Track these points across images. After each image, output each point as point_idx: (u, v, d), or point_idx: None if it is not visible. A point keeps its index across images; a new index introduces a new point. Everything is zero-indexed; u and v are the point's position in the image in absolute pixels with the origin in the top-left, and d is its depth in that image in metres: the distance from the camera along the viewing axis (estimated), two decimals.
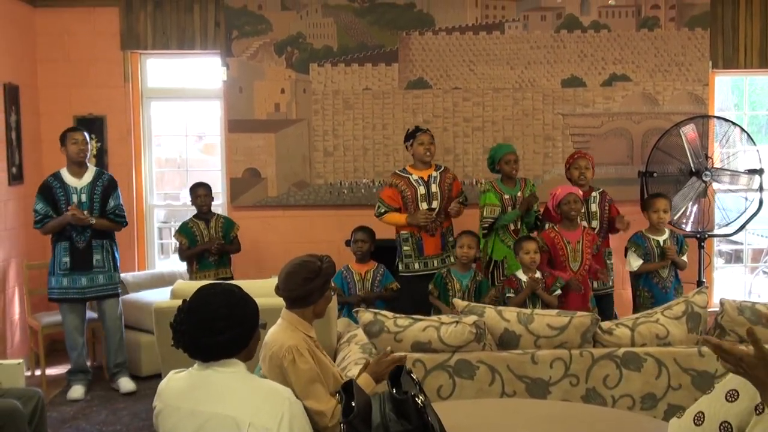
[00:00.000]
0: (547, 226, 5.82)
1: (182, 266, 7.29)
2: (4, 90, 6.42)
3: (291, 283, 3.31)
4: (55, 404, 5.77)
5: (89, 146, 6.06)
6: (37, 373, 6.37)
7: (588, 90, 7.20)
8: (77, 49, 7.14)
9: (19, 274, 6.58)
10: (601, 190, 6.07)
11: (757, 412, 2.30)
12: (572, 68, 7.18)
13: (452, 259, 5.92)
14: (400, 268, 6.04)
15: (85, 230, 5.88)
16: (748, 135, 6.94)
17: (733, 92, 8.14)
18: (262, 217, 7.19)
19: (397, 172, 6.13)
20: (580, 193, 5.67)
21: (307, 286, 3.29)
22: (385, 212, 5.97)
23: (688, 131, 6.77)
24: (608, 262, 5.96)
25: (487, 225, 5.92)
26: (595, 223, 5.88)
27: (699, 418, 2.45)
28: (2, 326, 6.37)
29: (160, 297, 5.98)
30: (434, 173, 6.01)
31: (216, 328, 2.62)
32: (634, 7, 7.17)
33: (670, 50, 7.17)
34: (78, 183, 5.94)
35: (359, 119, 7.19)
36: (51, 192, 5.88)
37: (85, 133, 6.04)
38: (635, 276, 5.79)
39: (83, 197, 5.91)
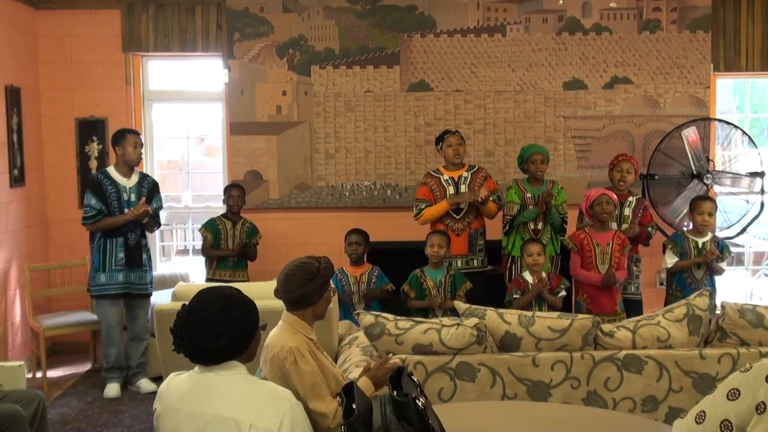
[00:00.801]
0: (579, 227, 5.83)
1: (183, 269, 7.32)
2: (5, 92, 6.43)
3: (289, 285, 3.32)
4: (57, 406, 5.77)
5: (144, 150, 6.19)
6: (39, 375, 6.36)
7: (589, 92, 7.20)
8: (79, 51, 7.15)
9: (20, 276, 6.58)
10: (638, 196, 6.08)
11: (758, 411, 2.30)
12: (574, 71, 7.18)
13: (475, 262, 5.99)
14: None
15: (136, 228, 5.98)
16: (750, 138, 6.94)
17: (735, 95, 8.14)
18: (264, 220, 7.19)
19: (430, 172, 6.20)
20: (614, 196, 5.67)
21: (305, 287, 3.30)
22: (425, 208, 6.02)
23: (690, 134, 6.77)
24: (634, 268, 5.95)
25: (505, 222, 5.95)
26: (624, 227, 5.87)
27: (700, 417, 2.45)
28: (3, 328, 6.37)
29: (161, 299, 5.99)
30: (465, 174, 6.06)
31: (215, 332, 2.62)
32: (635, 9, 7.17)
33: (672, 53, 7.17)
34: (128, 182, 6.02)
35: (361, 121, 7.20)
36: (102, 188, 5.92)
37: (141, 136, 6.16)
38: (671, 274, 5.81)
39: (132, 196, 5.99)
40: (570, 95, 7.19)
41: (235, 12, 7.11)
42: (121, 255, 5.93)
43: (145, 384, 6.08)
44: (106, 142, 7.11)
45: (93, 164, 7.11)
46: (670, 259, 5.73)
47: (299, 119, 7.20)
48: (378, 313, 4.19)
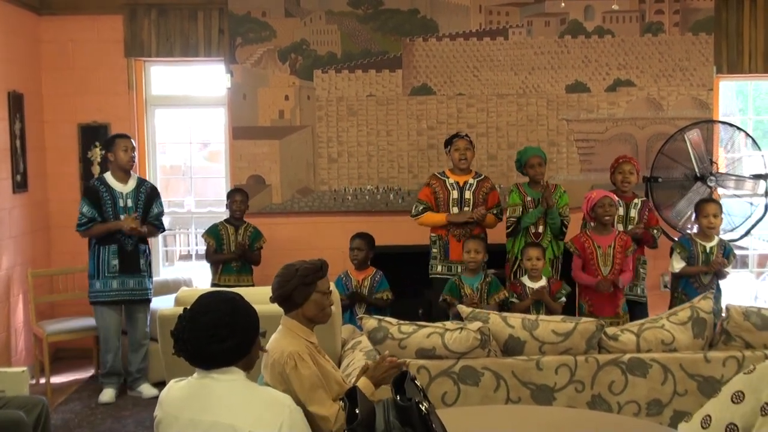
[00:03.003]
0: (581, 230, 5.81)
1: (186, 274, 7.32)
2: (8, 98, 6.44)
3: (273, 286, 3.40)
4: (60, 412, 5.77)
5: (135, 153, 6.13)
6: (42, 381, 6.36)
7: (592, 95, 7.19)
8: (81, 56, 7.16)
9: (23, 281, 6.58)
10: (643, 199, 6.05)
11: (763, 413, 2.29)
12: (576, 74, 7.17)
13: (459, 268, 5.91)
14: (429, 270, 6.08)
15: (131, 234, 5.95)
16: (753, 140, 6.93)
17: (738, 97, 8.13)
18: (267, 224, 7.19)
19: (435, 174, 6.18)
20: (615, 198, 5.65)
21: (284, 288, 3.35)
22: (424, 210, 6.00)
23: (693, 136, 6.76)
24: (641, 270, 5.93)
25: (510, 224, 5.92)
26: (631, 228, 5.84)
27: (706, 421, 2.44)
28: (7, 334, 6.37)
29: (164, 304, 5.97)
30: (471, 180, 6.03)
31: (218, 335, 2.61)
32: (638, 12, 7.16)
33: (675, 55, 7.16)
34: (124, 188, 6.01)
35: (363, 126, 7.19)
36: (97, 195, 5.93)
37: (132, 140, 6.12)
38: (676, 278, 5.77)
39: (129, 202, 5.99)
40: (573, 98, 7.19)
41: (237, 17, 7.11)
42: (115, 262, 5.92)
43: (146, 389, 6.08)
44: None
45: (96, 170, 7.11)
46: (678, 264, 5.68)
47: (302, 124, 7.20)
48: (381, 317, 4.18)
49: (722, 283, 5.81)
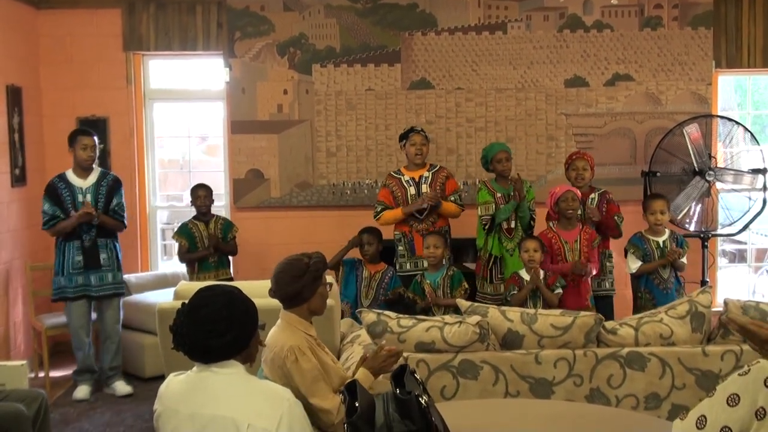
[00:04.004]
0: (548, 226, 5.82)
1: (185, 267, 7.29)
2: (7, 92, 6.43)
3: (280, 283, 3.34)
4: (59, 405, 5.77)
5: (97, 151, 6.07)
6: (41, 374, 6.37)
7: (591, 90, 7.19)
8: (80, 50, 7.15)
9: (22, 275, 6.58)
10: (602, 191, 6.01)
11: (758, 417, 2.30)
12: (575, 68, 7.17)
13: (443, 261, 5.91)
14: (396, 267, 6.07)
15: (91, 229, 5.91)
16: (752, 134, 6.93)
17: (737, 92, 8.13)
18: (265, 218, 7.19)
19: (391, 173, 6.18)
20: (579, 192, 5.67)
21: (295, 284, 3.31)
22: (382, 210, 6.02)
23: (692, 131, 6.77)
24: (607, 263, 5.93)
25: (484, 222, 5.90)
26: (591, 226, 5.85)
27: (701, 422, 2.45)
28: (6, 328, 6.37)
29: (163, 298, 5.98)
30: (426, 173, 6.03)
31: (217, 329, 2.61)
32: (637, 6, 7.16)
33: (673, 50, 7.16)
34: (83, 183, 5.96)
35: (362, 120, 7.19)
36: (56, 192, 5.90)
37: (95, 137, 6.05)
38: (636, 278, 5.77)
39: (88, 197, 5.93)
40: (571, 93, 7.19)
41: (236, 11, 7.10)
42: (78, 258, 5.89)
43: (120, 387, 6.03)
44: (107, 141, 7.12)
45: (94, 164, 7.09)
46: (634, 264, 5.68)
47: (300, 118, 7.19)
48: (380, 311, 4.19)
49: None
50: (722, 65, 7.24)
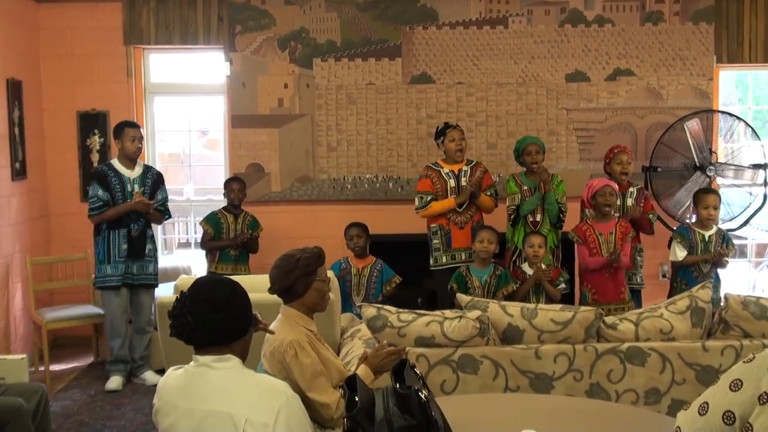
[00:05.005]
0: (581, 218, 5.82)
1: (185, 262, 7.30)
2: (7, 85, 6.42)
3: (274, 278, 3.37)
4: (59, 399, 5.78)
5: (143, 143, 6.16)
6: (41, 368, 6.37)
7: (592, 84, 7.18)
8: (80, 44, 7.14)
9: (23, 269, 6.58)
10: (639, 186, 6.05)
11: (761, 401, 2.29)
12: (576, 63, 7.16)
13: (462, 256, 5.93)
14: (430, 262, 6.05)
15: (140, 219, 5.99)
16: (753, 130, 6.93)
17: (738, 87, 8.12)
18: (266, 213, 7.19)
19: (429, 165, 6.18)
20: (617, 186, 5.66)
21: (286, 279, 3.33)
22: (431, 200, 5.98)
23: (693, 126, 6.76)
24: (638, 258, 5.95)
25: (510, 213, 5.93)
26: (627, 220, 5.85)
27: (703, 408, 2.44)
28: (6, 322, 6.37)
29: (163, 292, 6.00)
30: (465, 168, 6.05)
31: (218, 307, 2.57)
32: (638, 1, 7.15)
33: (675, 45, 7.15)
34: (131, 174, 6.05)
35: (363, 114, 7.18)
36: (106, 180, 5.95)
37: (141, 129, 6.16)
38: (676, 268, 5.78)
39: (136, 187, 6.01)
40: (572, 87, 7.18)
41: (237, 4, 7.09)
42: (125, 246, 5.96)
43: (150, 376, 6.10)
44: (107, 135, 7.10)
45: (95, 157, 7.11)
46: (680, 252, 5.66)
47: (301, 112, 7.19)
48: (380, 305, 4.18)
49: (720, 272, 5.82)
50: (723, 60, 7.22)
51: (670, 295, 5.77)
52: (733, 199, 6.98)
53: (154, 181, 6.15)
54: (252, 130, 7.19)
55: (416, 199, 6.07)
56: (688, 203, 6.71)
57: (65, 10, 7.11)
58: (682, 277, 5.72)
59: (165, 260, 7.59)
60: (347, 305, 5.90)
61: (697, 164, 6.72)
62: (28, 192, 6.75)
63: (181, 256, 7.85)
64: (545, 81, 7.17)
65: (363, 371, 3.32)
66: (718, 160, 6.84)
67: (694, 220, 6.72)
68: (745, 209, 6.89)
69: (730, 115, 6.96)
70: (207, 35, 7.17)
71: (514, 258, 5.95)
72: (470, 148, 7.12)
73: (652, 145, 6.95)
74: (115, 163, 6.07)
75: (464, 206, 5.96)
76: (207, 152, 8.74)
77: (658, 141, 6.85)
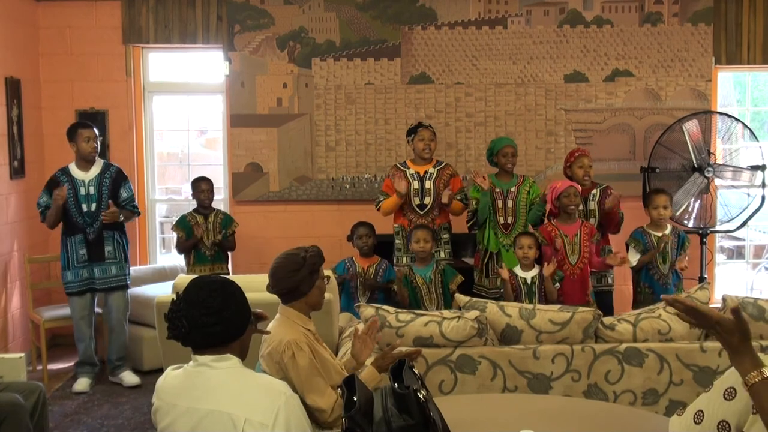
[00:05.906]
0: (545, 221, 5.84)
1: (183, 260, 7.28)
2: (6, 84, 6.42)
3: (277, 277, 3.33)
4: (57, 398, 5.78)
5: (99, 142, 6.06)
6: (39, 367, 6.37)
7: (590, 85, 7.19)
8: (79, 43, 7.14)
9: (21, 268, 6.58)
10: (603, 186, 6.04)
11: (754, 411, 2.29)
12: (575, 63, 7.17)
13: (442, 254, 5.95)
14: (394, 261, 6.08)
15: (94, 222, 5.91)
16: (751, 131, 6.93)
17: (736, 88, 8.12)
18: (264, 212, 7.19)
19: (397, 164, 6.17)
20: (580, 187, 5.68)
21: (292, 278, 3.30)
22: (383, 200, 6.03)
23: (691, 127, 6.76)
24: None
25: (468, 218, 5.97)
26: (593, 221, 5.86)
27: (699, 417, 2.45)
28: (4, 320, 6.37)
29: (161, 291, 5.99)
30: (431, 169, 6.03)
31: (212, 310, 2.57)
32: (637, 2, 7.15)
33: (673, 46, 7.16)
34: (85, 176, 5.96)
35: (361, 114, 7.19)
36: (57, 185, 5.89)
37: (95, 129, 6.04)
38: (636, 272, 5.78)
39: (91, 189, 5.93)
40: (571, 88, 7.18)
41: (236, 4, 7.09)
42: (83, 251, 5.91)
43: (127, 377, 6.05)
44: (106, 134, 7.10)
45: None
46: (633, 257, 5.70)
47: (300, 111, 7.19)
48: (379, 305, 4.19)
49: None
50: (722, 61, 7.23)
51: (635, 302, 5.78)
52: (731, 201, 6.99)
53: (113, 180, 6.02)
54: (251, 130, 7.19)
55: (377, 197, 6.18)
56: (686, 204, 6.73)
57: (64, 8, 7.10)
58: (644, 280, 5.72)
59: (163, 259, 7.60)
60: (352, 305, 5.89)
61: (696, 165, 6.72)
62: (27, 191, 6.74)
63: (179, 256, 7.84)
64: (544, 81, 7.18)
65: (369, 371, 3.33)
66: (717, 162, 6.84)
67: (691, 222, 6.74)
68: (743, 210, 6.90)
69: (729, 116, 6.97)
70: (206, 34, 7.17)
71: (486, 261, 5.94)
72: (468, 149, 7.15)
73: (650, 146, 6.96)
74: (71, 166, 5.98)
75: (426, 210, 5.95)
76: (206, 151, 8.73)
77: (656, 142, 6.86)
